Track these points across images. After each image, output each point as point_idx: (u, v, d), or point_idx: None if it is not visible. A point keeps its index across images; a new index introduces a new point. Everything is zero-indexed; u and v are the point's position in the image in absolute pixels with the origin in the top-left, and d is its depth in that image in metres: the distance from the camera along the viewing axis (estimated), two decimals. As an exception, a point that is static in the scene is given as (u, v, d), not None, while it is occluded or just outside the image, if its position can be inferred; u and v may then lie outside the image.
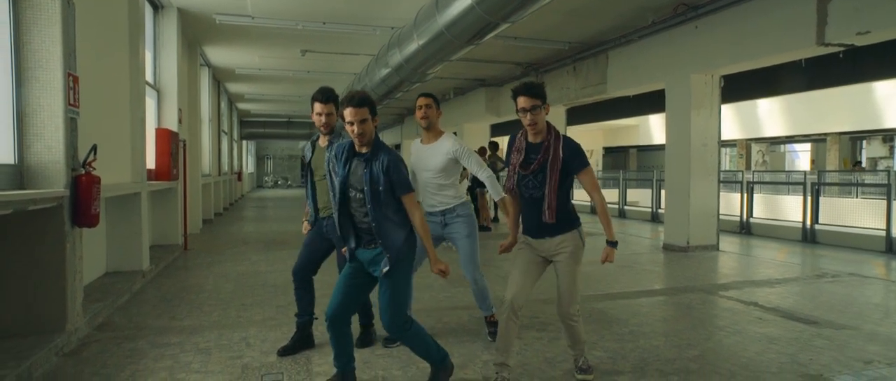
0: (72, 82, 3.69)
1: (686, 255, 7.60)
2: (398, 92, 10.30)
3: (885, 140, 21.04)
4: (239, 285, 5.49)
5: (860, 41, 5.88)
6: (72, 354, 3.44)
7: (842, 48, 6.07)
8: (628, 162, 30.75)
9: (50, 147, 3.55)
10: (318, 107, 3.41)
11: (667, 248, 8.09)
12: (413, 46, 7.45)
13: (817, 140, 22.53)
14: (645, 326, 4.12)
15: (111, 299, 4.50)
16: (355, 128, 2.63)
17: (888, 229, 8.01)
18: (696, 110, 7.84)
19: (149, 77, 7.43)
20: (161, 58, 7.91)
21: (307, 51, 10.86)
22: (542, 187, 2.84)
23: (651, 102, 11.32)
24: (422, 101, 3.65)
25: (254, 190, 30.40)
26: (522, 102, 2.79)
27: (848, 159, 21.46)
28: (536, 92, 2.78)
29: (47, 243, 3.51)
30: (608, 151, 29.43)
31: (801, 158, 27.05)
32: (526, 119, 2.81)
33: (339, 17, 8.49)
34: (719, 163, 8.06)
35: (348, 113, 2.62)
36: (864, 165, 21.30)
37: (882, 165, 20.50)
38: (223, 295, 5.03)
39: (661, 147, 25.00)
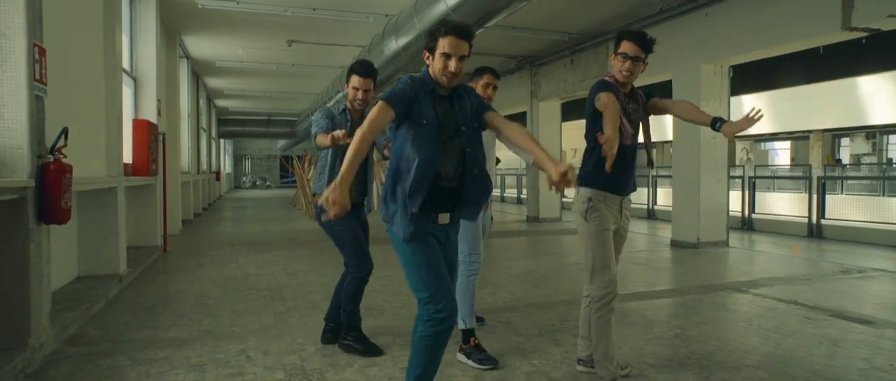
0: (38, 54, 3.15)
1: (697, 251, 7.29)
2: (390, 84, 9.81)
3: (867, 137, 21.25)
4: (228, 289, 4.96)
5: (888, 25, 5.61)
6: (36, 374, 2.91)
7: (867, 34, 5.80)
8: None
9: (11, 129, 3.01)
10: (356, 80, 3.07)
11: (675, 245, 7.78)
12: (413, 33, 7.00)
13: (799, 138, 22.70)
14: (689, 328, 3.73)
15: (84, 307, 3.95)
16: (453, 64, 2.12)
17: (900, 224, 7.83)
18: (706, 102, 7.53)
19: (125, 64, 6.83)
20: (138, 44, 7.32)
21: (294, 41, 10.30)
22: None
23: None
24: (494, 79, 3.29)
25: (231, 191, 29.52)
26: (633, 49, 2.57)
27: (830, 156, 21.65)
28: (647, 45, 2.59)
29: (7, 243, 2.97)
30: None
31: (780, 155, 27.30)
32: (627, 65, 2.58)
33: (331, 2, 7.99)
34: (728, 157, 7.78)
35: (453, 44, 2.11)
36: (845, 162, 21.50)
37: (865, 161, 20.72)
38: (212, 301, 4.51)
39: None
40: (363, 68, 3.12)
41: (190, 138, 12.03)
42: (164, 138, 7.42)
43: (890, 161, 20.57)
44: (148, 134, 6.42)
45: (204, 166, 15.11)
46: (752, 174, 11.03)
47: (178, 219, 9.38)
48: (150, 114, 7.21)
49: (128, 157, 6.25)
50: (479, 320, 3.75)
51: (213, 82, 15.45)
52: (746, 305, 4.41)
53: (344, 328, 3.28)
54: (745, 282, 5.27)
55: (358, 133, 2.07)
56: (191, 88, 12.36)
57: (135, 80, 7.16)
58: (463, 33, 2.13)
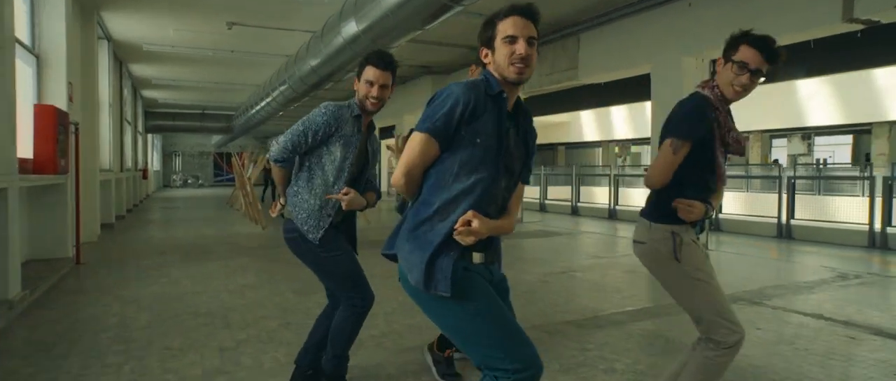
0: None
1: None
2: (345, 73, 8.90)
3: (803, 138, 22.16)
4: (158, 315, 3.98)
5: (889, 18, 5.33)
6: None
7: (866, 26, 5.51)
8: (556, 159, 30.82)
9: None
10: (371, 73, 2.37)
11: (654, 248, 7.34)
12: (378, 13, 6.19)
13: (739, 138, 23.33)
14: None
15: (-48, 352, 2.92)
16: (521, 46, 1.61)
17: (871, 225, 7.75)
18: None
19: (23, 36, 5.63)
20: (42, 15, 6.09)
21: (234, 24, 9.21)
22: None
23: (623, 90, 10.73)
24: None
25: (160, 190, 27.39)
26: (756, 59, 1.99)
27: (767, 156, 22.48)
28: (774, 57, 2.01)
29: None
30: (538, 147, 29.31)
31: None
32: (743, 79, 2.01)
33: (280, -24, 7.04)
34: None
35: (516, 24, 1.63)
36: (782, 162, 22.37)
37: (801, 161, 21.59)
38: (136, 334, 3.54)
39: (591, 144, 25.16)
40: (381, 59, 2.38)
41: (111, 131, 10.61)
42: (77, 129, 6.22)
43: (818, 161, 21.59)
44: (54, 123, 5.27)
45: (128, 163, 13.57)
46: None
47: (97, 223, 8.11)
48: (58, 99, 6.01)
49: (27, 150, 5.09)
50: None
51: (140, 70, 13.90)
52: (772, 321, 3.91)
53: (326, 379, 2.47)
54: (753, 292, 4.82)
55: (398, 180, 1.66)
56: (113, 75, 10.92)
57: (37, 57, 5.94)
58: (526, 12, 1.66)
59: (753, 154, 22.11)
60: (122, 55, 11.93)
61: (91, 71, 8.14)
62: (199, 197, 20.88)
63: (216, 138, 30.53)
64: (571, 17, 8.46)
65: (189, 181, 32.70)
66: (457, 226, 1.54)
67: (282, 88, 11.53)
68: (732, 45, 2.07)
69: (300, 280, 5.02)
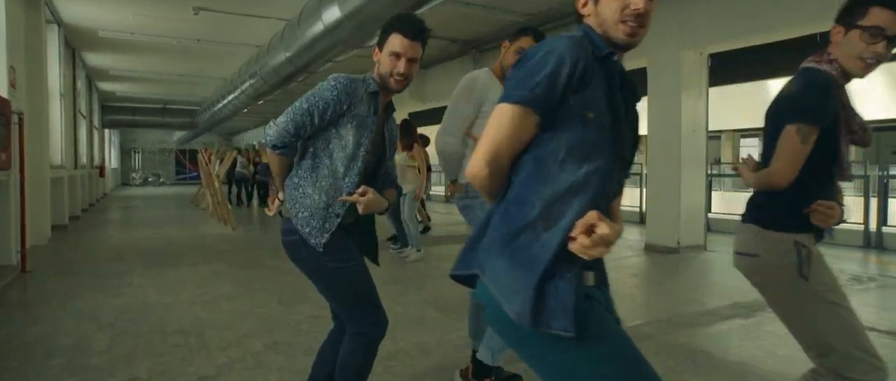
0: None
1: (680, 257, 6.61)
2: (322, 63, 8.32)
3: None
4: (120, 334, 3.40)
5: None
6: None
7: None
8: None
9: None
10: (398, 42, 1.90)
11: (652, 249, 7.06)
12: (366, -7, 5.69)
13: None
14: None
15: None
16: (641, 2, 1.18)
17: (866, 224, 7.65)
18: (686, 92, 6.88)
19: (-42, 12, 4.92)
20: (-20, -11, 5.36)
21: (201, 9, 8.49)
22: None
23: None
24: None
25: (118, 188, 26.03)
26: (891, 20, 1.58)
27: (739, 156, 22.91)
28: None
29: None
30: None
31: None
32: (877, 48, 1.61)
33: (255, -46, 6.44)
34: (707, 152, 7.19)
35: None
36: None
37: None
38: (95, 359, 2.96)
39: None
40: (411, 26, 1.91)
41: (64, 124, 9.74)
42: (21, 120, 5.51)
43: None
44: (-6, 110, 4.59)
45: (84, 159, 12.62)
46: (710, 172, 10.75)
47: (47, 225, 7.34)
48: (-1, 85, 5.29)
49: (-38, 142, 4.41)
50: (514, 377, 2.61)
51: (96, 59, 12.92)
52: (812, 331, 3.60)
53: None
54: (774, 297, 4.53)
55: (479, 171, 1.21)
56: (65, 63, 10.03)
57: (-25, 36, 5.22)
58: None
59: (725, 153, 22.48)
60: (75, 42, 11.01)
61: (38, 57, 7.33)
62: (160, 196, 19.85)
63: (178, 135, 29.28)
64: (564, 8, 8.10)
65: (150, 179, 31.28)
66: (575, 233, 1.10)
67: (251, 80, 10.84)
68: (856, 7, 1.66)
69: (283, 288, 4.50)
